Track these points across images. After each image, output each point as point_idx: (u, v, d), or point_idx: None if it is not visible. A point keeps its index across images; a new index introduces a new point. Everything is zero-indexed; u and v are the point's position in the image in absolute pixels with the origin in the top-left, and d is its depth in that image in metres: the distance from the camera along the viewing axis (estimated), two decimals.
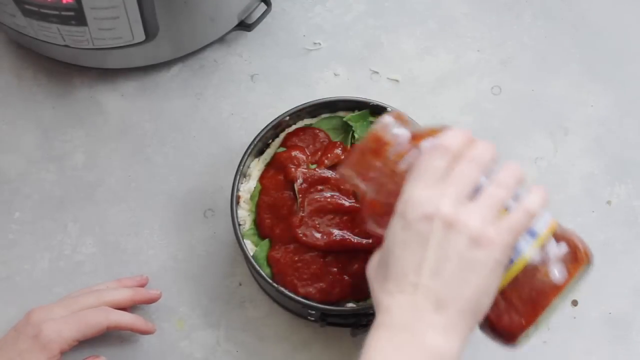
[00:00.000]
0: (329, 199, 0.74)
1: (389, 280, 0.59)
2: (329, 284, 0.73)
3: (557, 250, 0.60)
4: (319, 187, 0.75)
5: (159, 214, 0.83)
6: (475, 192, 0.59)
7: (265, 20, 0.88)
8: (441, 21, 0.91)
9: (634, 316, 0.80)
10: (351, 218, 0.74)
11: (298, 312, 0.78)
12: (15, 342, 0.72)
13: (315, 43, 0.90)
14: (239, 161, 0.77)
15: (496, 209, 0.58)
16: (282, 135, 0.79)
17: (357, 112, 0.79)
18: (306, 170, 0.75)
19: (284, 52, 0.89)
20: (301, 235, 0.73)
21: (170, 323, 0.80)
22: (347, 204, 0.74)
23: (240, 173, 0.77)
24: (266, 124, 0.78)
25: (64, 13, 0.75)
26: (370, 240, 0.72)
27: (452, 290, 0.57)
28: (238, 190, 0.77)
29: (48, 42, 0.81)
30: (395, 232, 0.59)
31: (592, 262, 0.62)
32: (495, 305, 0.59)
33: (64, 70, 0.88)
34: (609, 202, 0.84)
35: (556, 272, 0.60)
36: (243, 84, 0.88)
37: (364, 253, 0.71)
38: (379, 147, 0.63)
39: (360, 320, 0.74)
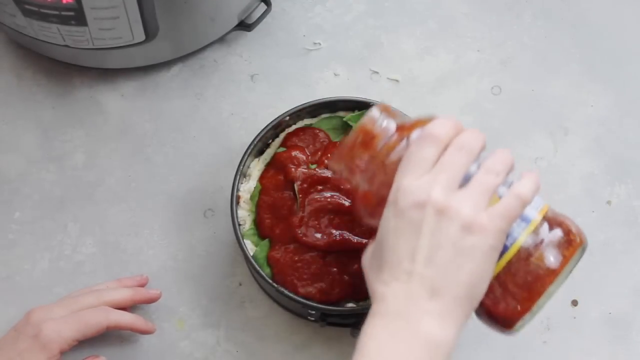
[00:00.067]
0: (329, 199, 0.74)
1: (383, 268, 0.59)
2: (329, 284, 0.73)
3: (551, 234, 0.60)
4: (319, 187, 0.75)
5: (159, 214, 0.83)
6: (466, 180, 0.59)
7: (265, 20, 0.88)
8: (441, 21, 0.91)
9: (634, 316, 0.80)
10: (351, 218, 0.74)
11: (298, 312, 0.78)
12: (15, 342, 0.72)
13: (315, 43, 0.90)
14: (239, 161, 0.77)
15: (487, 195, 0.59)
16: (282, 135, 0.79)
17: (357, 112, 0.79)
18: (306, 170, 0.75)
19: (284, 52, 0.89)
20: (301, 235, 0.73)
21: (170, 323, 0.80)
22: (347, 204, 0.74)
23: (240, 173, 0.77)
24: (266, 124, 0.78)
25: (64, 13, 0.75)
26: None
27: (447, 277, 0.57)
28: (238, 190, 0.77)
29: (48, 42, 0.81)
30: (388, 221, 0.59)
31: (586, 244, 0.62)
32: (491, 291, 0.60)
33: (64, 70, 0.88)
34: (609, 202, 0.84)
35: (551, 257, 0.60)
36: (243, 84, 0.88)
37: None
38: (368, 140, 0.63)
39: (360, 320, 0.74)
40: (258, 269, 0.73)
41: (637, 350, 0.80)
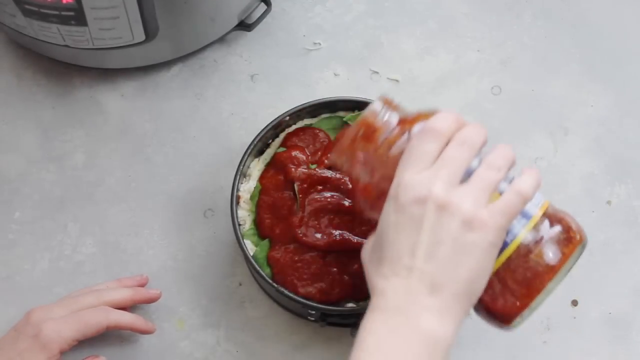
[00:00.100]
0: (329, 199, 0.74)
1: (383, 263, 0.59)
2: (329, 284, 0.73)
3: (551, 231, 0.60)
4: (319, 187, 0.75)
5: (159, 214, 0.83)
6: (467, 175, 0.59)
7: (265, 20, 0.88)
8: (441, 21, 0.91)
9: (634, 316, 0.80)
10: (351, 218, 0.74)
11: (298, 312, 0.78)
12: (15, 342, 0.72)
13: (315, 43, 0.90)
14: (239, 161, 0.77)
15: (488, 191, 0.59)
16: (282, 135, 0.79)
17: (357, 112, 0.79)
18: (306, 170, 0.75)
19: (284, 52, 0.89)
20: (301, 235, 0.73)
21: (170, 323, 0.80)
22: (347, 204, 0.74)
23: (240, 173, 0.77)
24: (266, 124, 0.78)
25: (64, 13, 0.75)
26: None
27: (447, 273, 0.57)
28: (238, 190, 0.77)
29: (48, 42, 0.81)
30: (389, 216, 0.59)
31: (586, 242, 0.61)
32: (490, 287, 0.59)
33: (64, 70, 0.88)
34: (609, 202, 0.84)
35: (550, 254, 0.60)
36: (243, 84, 0.88)
37: None
38: (370, 133, 0.63)
39: (360, 321, 0.74)
40: (258, 269, 0.73)
41: (637, 350, 0.80)
